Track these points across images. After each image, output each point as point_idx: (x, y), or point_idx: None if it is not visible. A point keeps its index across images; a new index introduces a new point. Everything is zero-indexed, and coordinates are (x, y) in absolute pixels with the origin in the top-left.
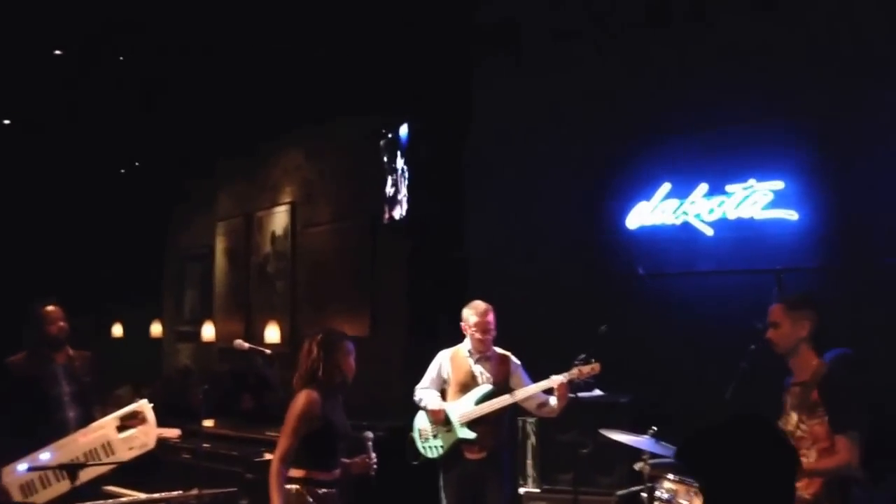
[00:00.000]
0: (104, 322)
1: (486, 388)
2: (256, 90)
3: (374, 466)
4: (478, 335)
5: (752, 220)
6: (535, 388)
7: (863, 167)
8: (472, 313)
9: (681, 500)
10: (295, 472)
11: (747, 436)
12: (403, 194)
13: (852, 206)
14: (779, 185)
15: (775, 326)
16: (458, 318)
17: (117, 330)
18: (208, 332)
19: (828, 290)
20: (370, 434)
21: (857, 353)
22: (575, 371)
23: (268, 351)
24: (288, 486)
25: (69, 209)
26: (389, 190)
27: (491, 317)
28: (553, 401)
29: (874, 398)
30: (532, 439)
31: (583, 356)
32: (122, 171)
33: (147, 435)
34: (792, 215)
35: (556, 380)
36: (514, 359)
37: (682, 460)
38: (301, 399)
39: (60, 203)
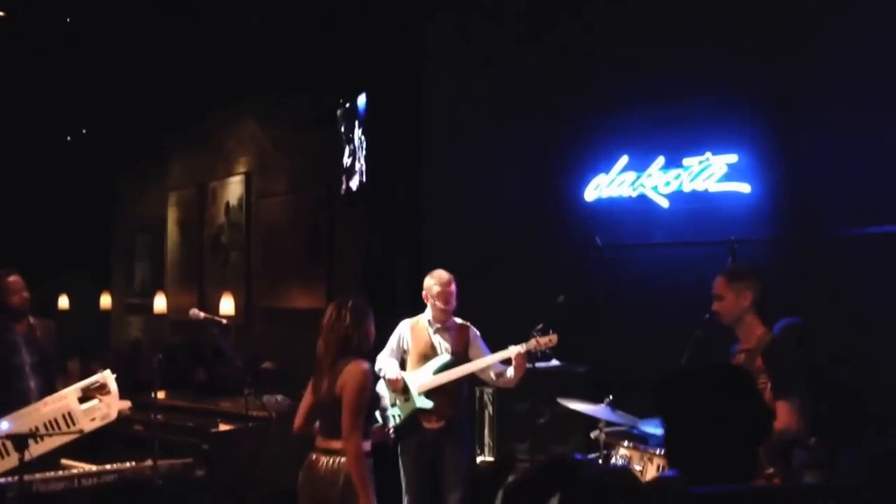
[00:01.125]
0: (50, 293)
1: (444, 358)
2: (210, 57)
3: (392, 435)
4: (439, 305)
5: (706, 192)
6: (493, 358)
7: (813, 141)
8: (435, 283)
9: (635, 466)
10: (336, 444)
11: (718, 384)
12: (361, 165)
13: (803, 179)
14: (733, 158)
15: (719, 299)
16: (415, 289)
17: (63, 302)
18: (160, 304)
19: (779, 261)
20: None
21: (806, 322)
22: (532, 342)
23: (224, 321)
24: (328, 458)
25: (13, 177)
26: (346, 160)
27: (453, 287)
28: (511, 371)
29: (820, 366)
30: (489, 409)
31: (540, 326)
32: (69, 138)
33: (109, 406)
34: (745, 188)
35: (513, 350)
36: (473, 329)
37: (656, 402)
38: (359, 372)
39: (4, 171)
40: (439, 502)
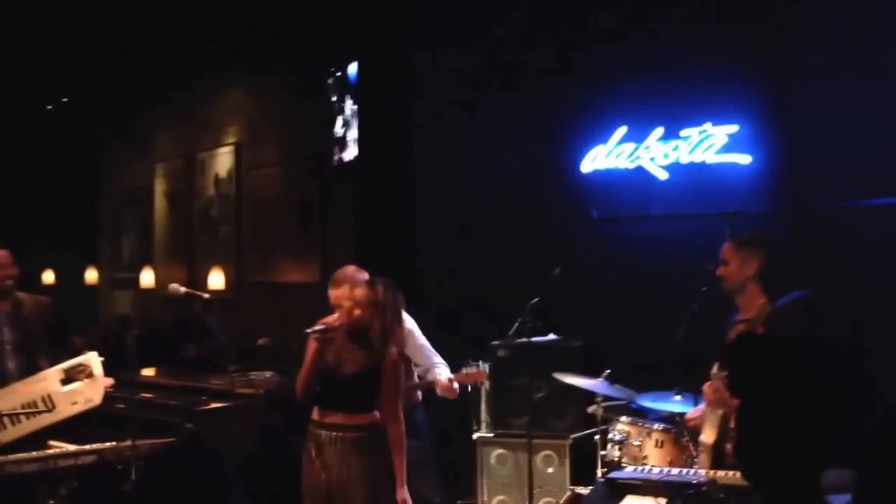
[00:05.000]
0: (35, 268)
1: None
2: (198, 24)
3: None
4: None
5: (705, 164)
6: (416, 383)
7: (815, 111)
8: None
9: (633, 442)
10: None
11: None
12: (353, 136)
13: (803, 150)
14: (733, 128)
15: (724, 263)
16: (408, 262)
17: (49, 277)
18: (148, 278)
19: (778, 234)
20: None
21: (814, 296)
22: (461, 374)
23: (206, 295)
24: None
25: None
26: (339, 131)
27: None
28: (438, 389)
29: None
30: (486, 384)
31: (471, 361)
32: (49, 107)
33: (92, 390)
34: (745, 159)
35: (441, 379)
36: (406, 323)
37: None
38: None
39: None
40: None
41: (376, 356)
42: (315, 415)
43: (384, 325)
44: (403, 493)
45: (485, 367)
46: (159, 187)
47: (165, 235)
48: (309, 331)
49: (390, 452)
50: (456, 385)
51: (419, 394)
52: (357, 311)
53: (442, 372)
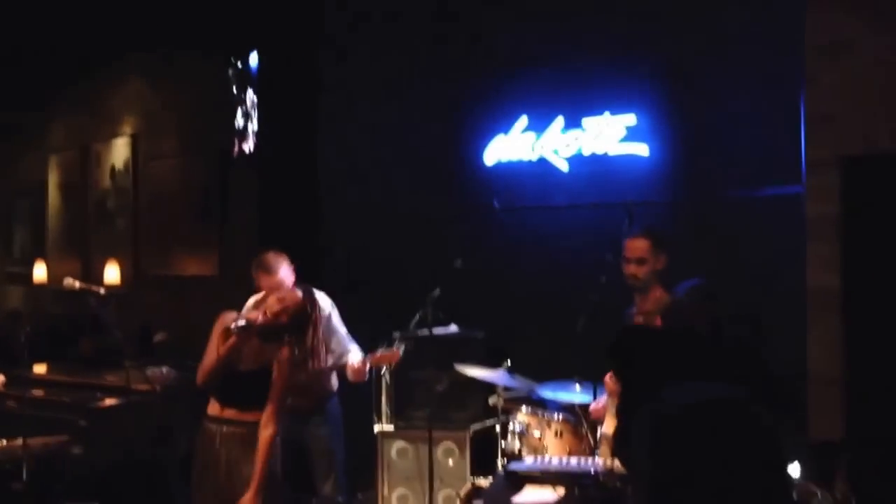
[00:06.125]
0: None
1: None
2: (92, 10)
3: None
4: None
5: (605, 154)
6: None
7: (709, 102)
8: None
9: (533, 433)
10: None
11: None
12: (254, 127)
13: (700, 141)
14: (631, 119)
15: (642, 263)
16: (312, 255)
17: None
18: (40, 272)
19: (675, 224)
20: None
21: (708, 283)
22: (375, 356)
23: (101, 290)
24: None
25: None
26: (239, 122)
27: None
28: (350, 371)
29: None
30: (386, 377)
31: (386, 343)
32: None
33: None
34: (643, 150)
35: (352, 361)
36: (326, 308)
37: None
38: None
39: None
40: (310, 491)
41: (275, 356)
42: (210, 409)
43: (316, 340)
44: (253, 500)
45: (399, 347)
46: (53, 179)
47: (59, 229)
48: (232, 326)
49: (277, 451)
50: (367, 366)
51: (335, 382)
52: (284, 318)
53: (354, 356)
